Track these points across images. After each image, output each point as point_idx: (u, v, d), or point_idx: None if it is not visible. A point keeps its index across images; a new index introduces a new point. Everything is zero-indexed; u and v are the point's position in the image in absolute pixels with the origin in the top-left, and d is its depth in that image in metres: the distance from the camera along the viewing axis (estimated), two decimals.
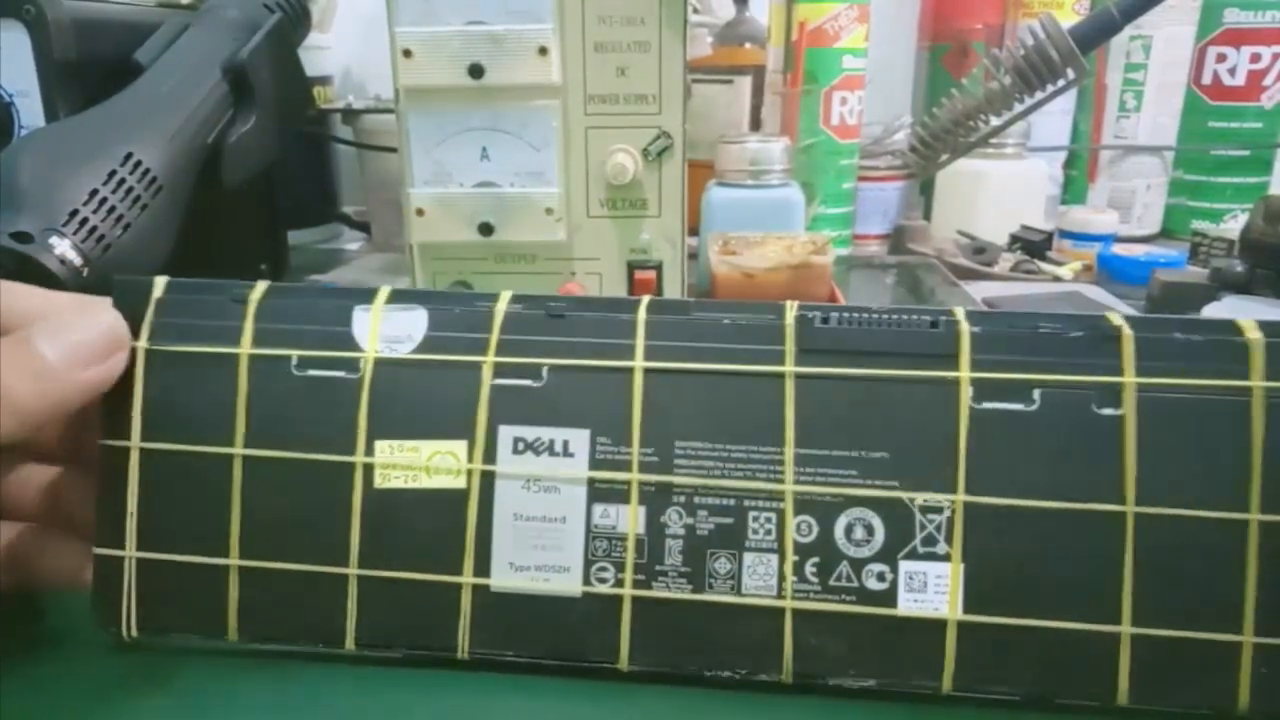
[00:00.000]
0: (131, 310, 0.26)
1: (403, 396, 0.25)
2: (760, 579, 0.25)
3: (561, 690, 0.25)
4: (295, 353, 0.26)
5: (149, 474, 0.26)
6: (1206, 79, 0.75)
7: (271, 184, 0.58)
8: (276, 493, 0.25)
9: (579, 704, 0.24)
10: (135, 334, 0.26)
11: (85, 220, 0.38)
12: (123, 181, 0.40)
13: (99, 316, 0.25)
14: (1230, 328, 0.24)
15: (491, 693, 0.24)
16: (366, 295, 0.26)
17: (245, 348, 0.26)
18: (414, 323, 0.26)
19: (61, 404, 0.24)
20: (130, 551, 0.26)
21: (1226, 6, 0.73)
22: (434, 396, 0.25)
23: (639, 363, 0.25)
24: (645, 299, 0.26)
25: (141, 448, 0.26)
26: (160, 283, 0.26)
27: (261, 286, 0.26)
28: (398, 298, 0.26)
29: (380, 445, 0.25)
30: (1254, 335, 0.23)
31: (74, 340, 0.24)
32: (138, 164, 0.41)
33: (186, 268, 0.44)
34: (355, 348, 0.26)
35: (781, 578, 0.25)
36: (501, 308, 0.26)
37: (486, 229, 0.46)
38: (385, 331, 0.26)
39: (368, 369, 0.25)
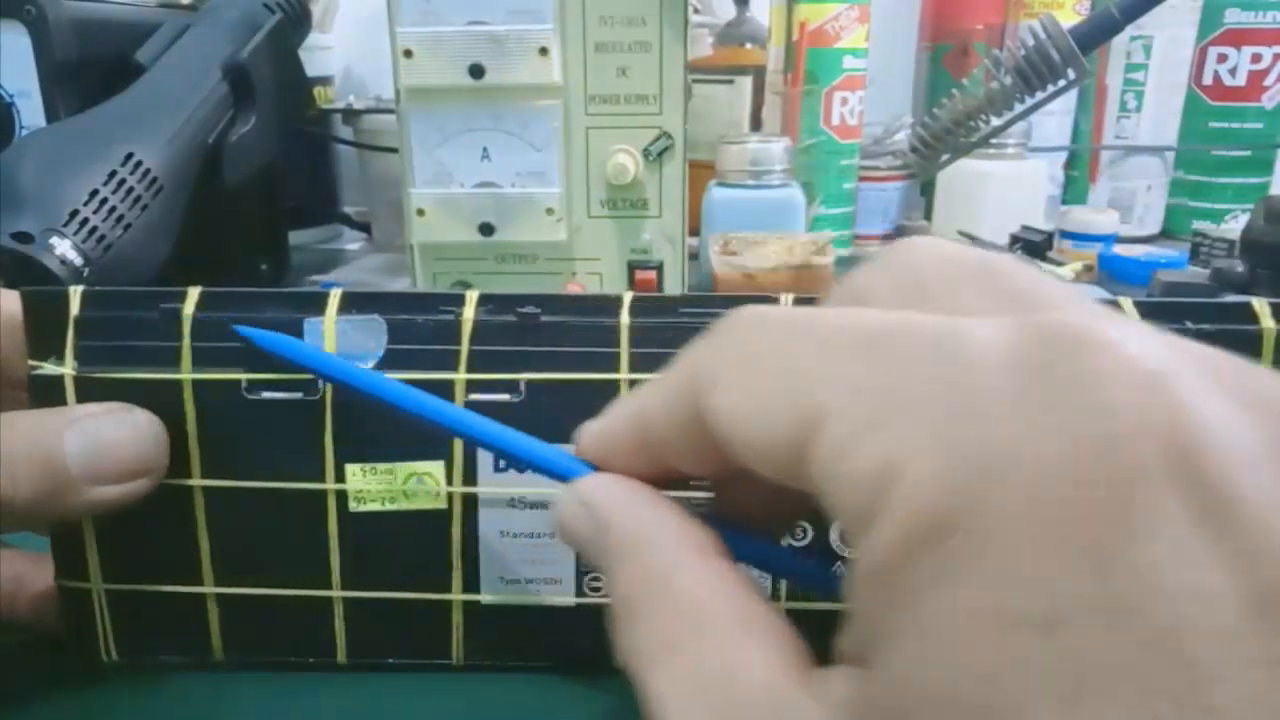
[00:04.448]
0: (50, 329, 0.23)
1: (370, 416, 0.23)
2: (756, 580, 0.24)
3: (556, 685, 0.25)
4: (244, 376, 0.23)
5: None
6: (1207, 79, 0.74)
7: (272, 184, 0.58)
8: (246, 520, 0.24)
9: (573, 695, 0.24)
10: (60, 355, 0.23)
11: (86, 220, 0.38)
12: (123, 182, 0.40)
13: (140, 434, 0.22)
14: (1245, 314, 0.22)
15: (484, 691, 0.24)
16: (315, 303, 0.23)
17: (186, 372, 0.23)
18: (372, 335, 0.23)
19: (66, 514, 0.21)
20: (96, 585, 0.24)
21: (1227, 7, 0.73)
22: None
23: (624, 375, 0.23)
24: (628, 297, 0.23)
25: None
26: (76, 296, 0.23)
27: (193, 296, 0.23)
28: (351, 304, 0.23)
29: (351, 469, 0.24)
30: (1268, 324, 0.22)
31: (104, 454, 0.21)
32: (138, 164, 0.41)
33: (187, 268, 0.44)
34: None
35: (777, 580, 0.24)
36: (469, 315, 0.23)
37: (487, 229, 0.46)
38: (342, 346, 0.23)
39: (328, 390, 0.23)
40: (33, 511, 0.21)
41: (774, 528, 0.18)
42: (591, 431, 0.17)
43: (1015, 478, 0.10)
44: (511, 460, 0.19)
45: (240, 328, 0.23)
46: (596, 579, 0.25)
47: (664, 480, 0.17)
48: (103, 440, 0.21)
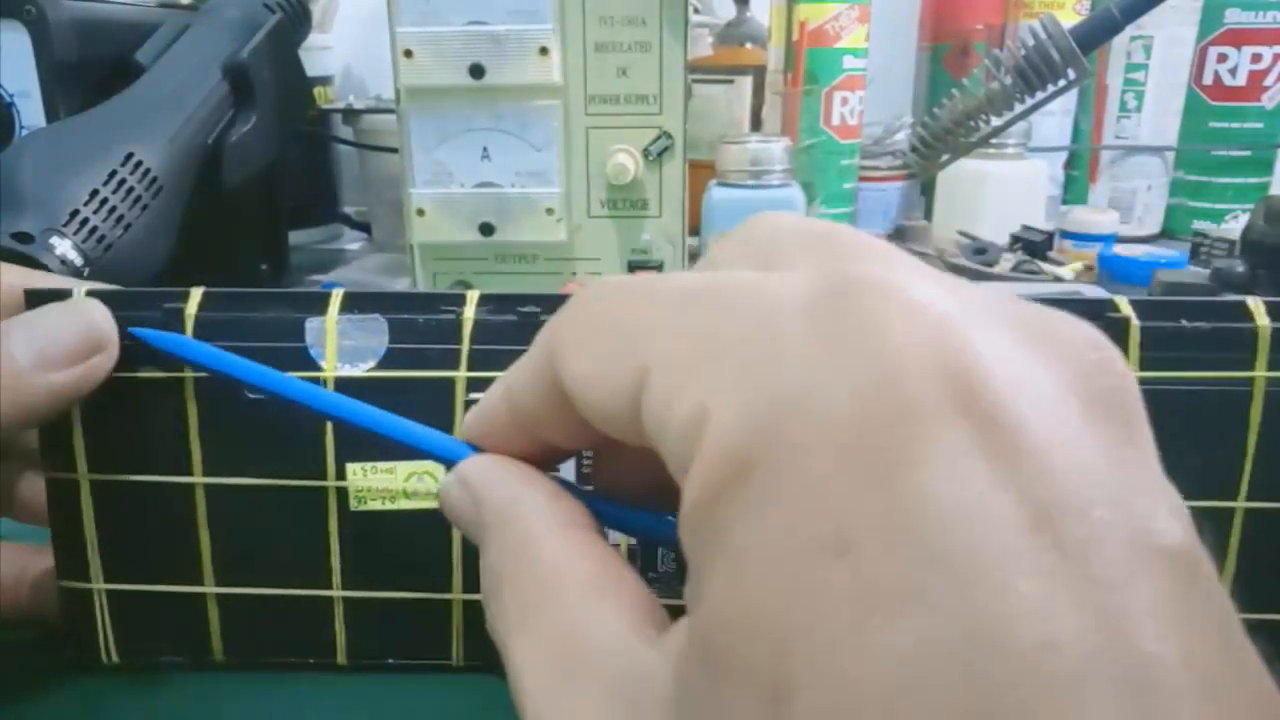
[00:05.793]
0: None
1: None
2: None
3: None
4: None
5: (105, 505, 0.24)
6: (1207, 79, 0.74)
7: (271, 184, 0.58)
8: (247, 519, 0.24)
9: None
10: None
11: (86, 220, 0.38)
12: (123, 182, 0.40)
13: (81, 314, 0.22)
14: (1239, 313, 0.23)
15: (484, 691, 0.24)
16: (317, 303, 0.23)
17: (188, 370, 0.23)
18: (374, 334, 0.23)
19: (30, 411, 0.21)
20: (98, 584, 0.24)
21: (1227, 7, 0.73)
22: (405, 414, 0.23)
23: None
24: None
25: (92, 479, 0.24)
26: (79, 295, 0.23)
27: (196, 297, 0.23)
28: (352, 304, 0.23)
29: (352, 468, 0.24)
30: (1263, 322, 0.22)
31: (48, 339, 0.21)
32: (138, 164, 0.41)
33: (187, 268, 0.44)
34: (312, 365, 0.23)
35: None
36: (470, 314, 0.23)
37: (487, 229, 0.46)
38: (343, 345, 0.23)
39: (330, 388, 0.23)
40: (5, 414, 0.21)
41: (663, 497, 0.18)
42: (473, 413, 0.18)
43: (809, 414, 0.11)
44: (398, 445, 0.19)
45: (134, 330, 0.23)
46: None
47: (548, 457, 0.17)
48: (44, 327, 0.21)
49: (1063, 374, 0.11)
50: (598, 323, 0.14)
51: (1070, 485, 0.10)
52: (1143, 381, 0.23)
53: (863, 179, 0.73)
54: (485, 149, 0.46)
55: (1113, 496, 0.10)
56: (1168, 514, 0.10)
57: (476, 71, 0.44)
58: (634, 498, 0.17)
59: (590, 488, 0.18)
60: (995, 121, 0.56)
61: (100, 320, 0.22)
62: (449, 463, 0.18)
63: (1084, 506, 0.10)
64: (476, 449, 0.17)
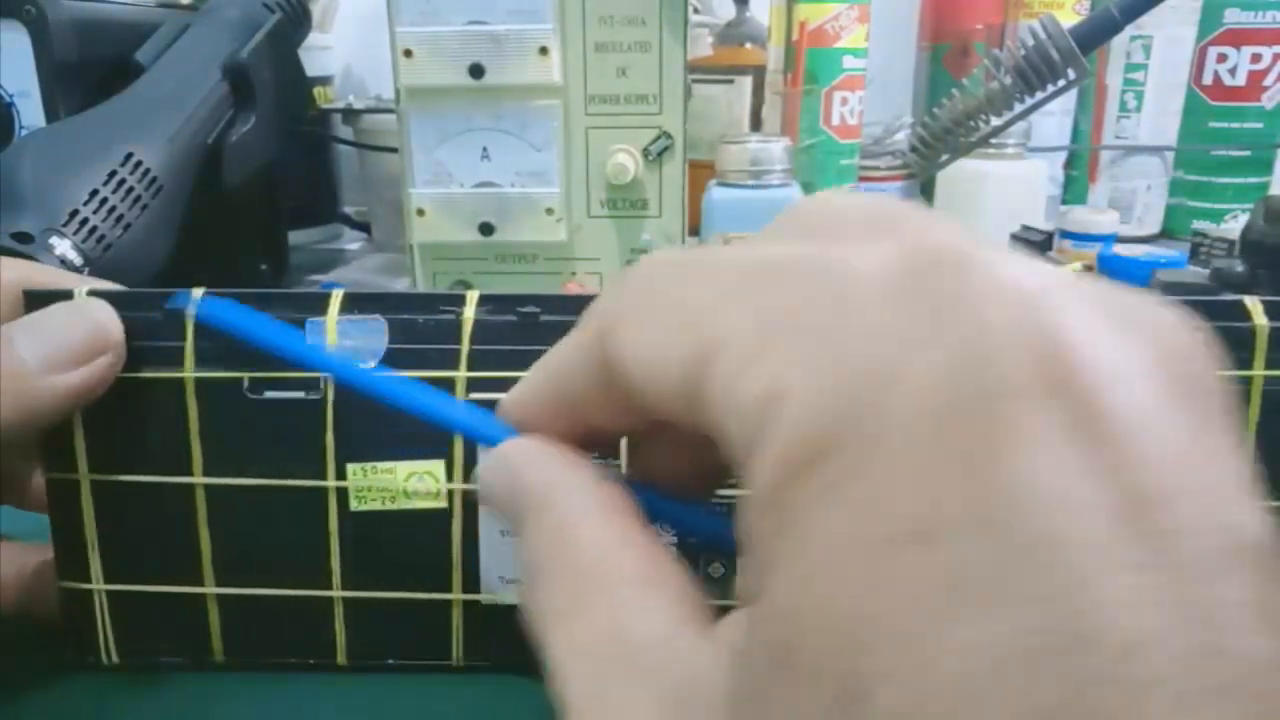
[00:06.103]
0: None
1: (371, 416, 0.23)
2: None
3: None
4: (245, 375, 0.23)
5: (105, 505, 0.24)
6: (1207, 79, 0.74)
7: (271, 184, 0.58)
8: (247, 519, 0.24)
9: None
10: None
11: (85, 220, 0.38)
12: (123, 182, 0.40)
13: (87, 315, 0.22)
14: (1237, 312, 0.23)
15: (484, 691, 0.24)
16: (317, 304, 0.23)
17: (189, 371, 0.23)
18: (374, 334, 0.23)
19: (37, 413, 0.21)
20: (98, 585, 0.24)
21: (1227, 7, 0.73)
22: (405, 414, 0.23)
23: None
24: None
25: (92, 479, 0.24)
26: (80, 295, 0.23)
27: (196, 297, 0.23)
28: (352, 305, 0.23)
29: (352, 468, 0.24)
30: (1260, 321, 0.23)
31: (55, 341, 0.21)
32: (138, 164, 0.41)
33: (186, 267, 0.44)
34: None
35: None
36: (469, 314, 0.23)
37: (487, 229, 0.46)
38: (343, 345, 0.23)
39: (329, 389, 0.23)
40: (9, 417, 0.20)
41: (701, 488, 0.17)
42: (513, 394, 0.17)
43: (893, 395, 0.10)
44: (434, 424, 0.19)
45: (202, 302, 0.23)
46: None
47: (590, 441, 0.16)
48: (51, 329, 0.21)
49: (1149, 356, 0.10)
50: (656, 299, 0.14)
51: (1159, 472, 0.10)
52: None
53: (862, 179, 0.73)
54: (485, 149, 0.46)
55: (1200, 485, 0.10)
56: (1252, 507, 0.10)
57: (476, 71, 0.44)
58: (671, 489, 0.16)
59: (621, 464, 0.17)
60: (995, 121, 0.56)
61: (106, 321, 0.22)
62: (489, 443, 0.17)
63: (1172, 495, 0.09)
64: (515, 432, 0.17)
